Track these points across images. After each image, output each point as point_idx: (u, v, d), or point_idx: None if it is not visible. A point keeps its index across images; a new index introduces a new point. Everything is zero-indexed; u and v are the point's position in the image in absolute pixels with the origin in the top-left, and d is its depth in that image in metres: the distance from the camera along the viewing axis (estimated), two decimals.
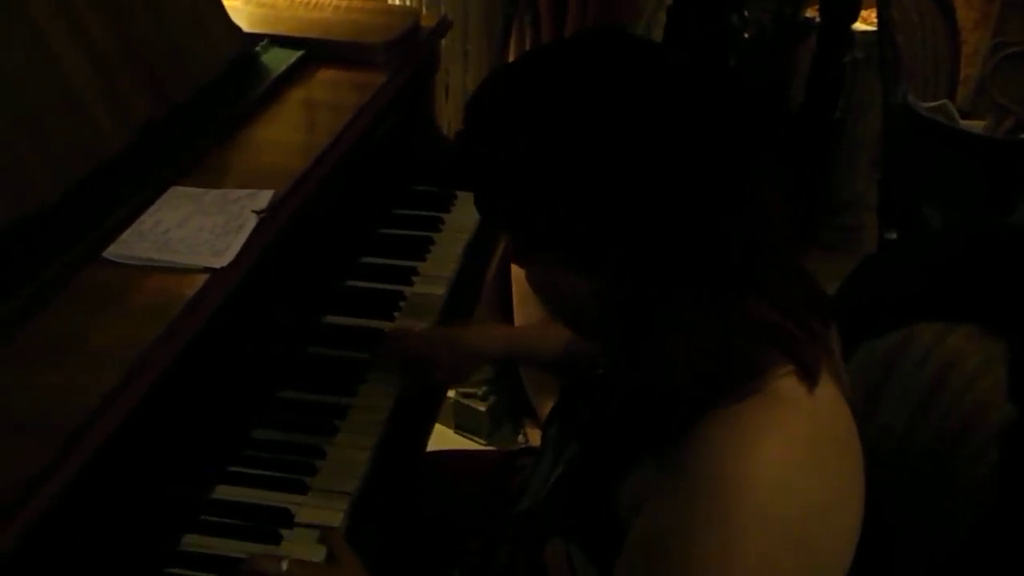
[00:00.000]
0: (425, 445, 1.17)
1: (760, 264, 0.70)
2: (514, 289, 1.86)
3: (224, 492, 0.96)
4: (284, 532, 0.92)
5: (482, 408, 1.93)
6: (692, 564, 0.64)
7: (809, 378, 0.67)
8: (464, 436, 1.95)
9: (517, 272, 1.84)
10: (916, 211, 1.50)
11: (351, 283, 1.28)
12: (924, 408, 0.87)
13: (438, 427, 1.86)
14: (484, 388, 1.93)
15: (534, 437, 1.94)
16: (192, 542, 0.91)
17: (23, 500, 0.65)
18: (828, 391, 0.69)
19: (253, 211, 0.95)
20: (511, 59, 1.74)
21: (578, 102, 0.67)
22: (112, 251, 0.88)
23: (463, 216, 1.43)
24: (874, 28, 1.78)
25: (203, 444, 0.96)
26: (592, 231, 0.68)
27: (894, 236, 1.58)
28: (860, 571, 0.73)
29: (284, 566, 0.83)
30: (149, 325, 0.80)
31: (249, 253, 0.91)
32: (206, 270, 0.87)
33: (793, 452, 0.65)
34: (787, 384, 0.67)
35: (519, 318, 1.87)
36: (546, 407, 1.89)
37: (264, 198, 0.98)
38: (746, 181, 0.69)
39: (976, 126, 1.54)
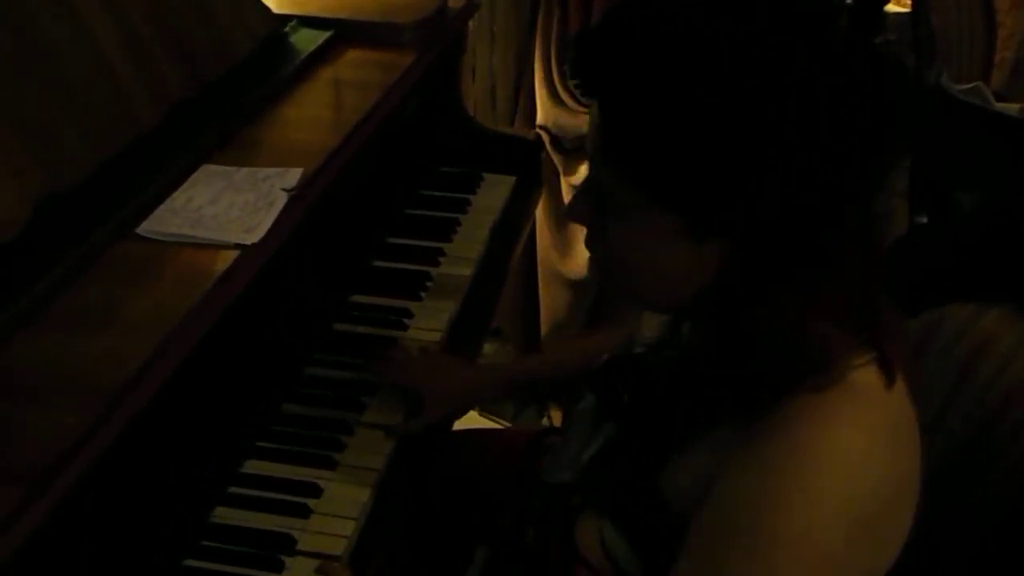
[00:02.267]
0: (451, 424, 1.18)
1: (860, 248, 0.68)
2: (540, 273, 1.86)
3: (254, 467, 0.98)
4: (312, 504, 0.93)
5: None
6: (772, 536, 0.65)
7: (888, 371, 0.67)
8: (488, 418, 1.95)
9: (544, 255, 1.84)
10: (947, 195, 1.48)
11: (378, 263, 1.28)
12: (957, 390, 0.86)
13: None
14: None
15: (559, 419, 1.94)
16: (223, 514, 0.92)
17: (60, 466, 0.67)
18: (901, 389, 0.69)
19: (283, 189, 0.96)
20: (538, 41, 1.73)
21: (739, 51, 0.60)
22: (145, 227, 0.89)
23: (490, 197, 1.43)
24: (907, 9, 1.75)
25: (233, 418, 0.97)
26: (732, 192, 0.61)
27: (924, 220, 1.56)
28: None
29: None
30: (183, 298, 0.81)
31: (279, 230, 0.92)
32: (237, 246, 0.87)
33: (870, 442, 0.66)
34: (866, 376, 0.67)
35: (545, 302, 1.87)
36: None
37: (294, 176, 0.98)
38: (874, 161, 0.65)
39: (1011, 108, 1.51)
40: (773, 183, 0.61)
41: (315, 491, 0.95)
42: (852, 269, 0.68)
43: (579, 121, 1.64)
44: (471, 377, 1.12)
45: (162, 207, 0.91)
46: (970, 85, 1.58)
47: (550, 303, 1.85)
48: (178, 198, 0.93)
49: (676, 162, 0.62)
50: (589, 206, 0.69)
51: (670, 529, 0.71)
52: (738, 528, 0.66)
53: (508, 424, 1.94)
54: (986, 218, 1.38)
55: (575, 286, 1.80)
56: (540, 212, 1.76)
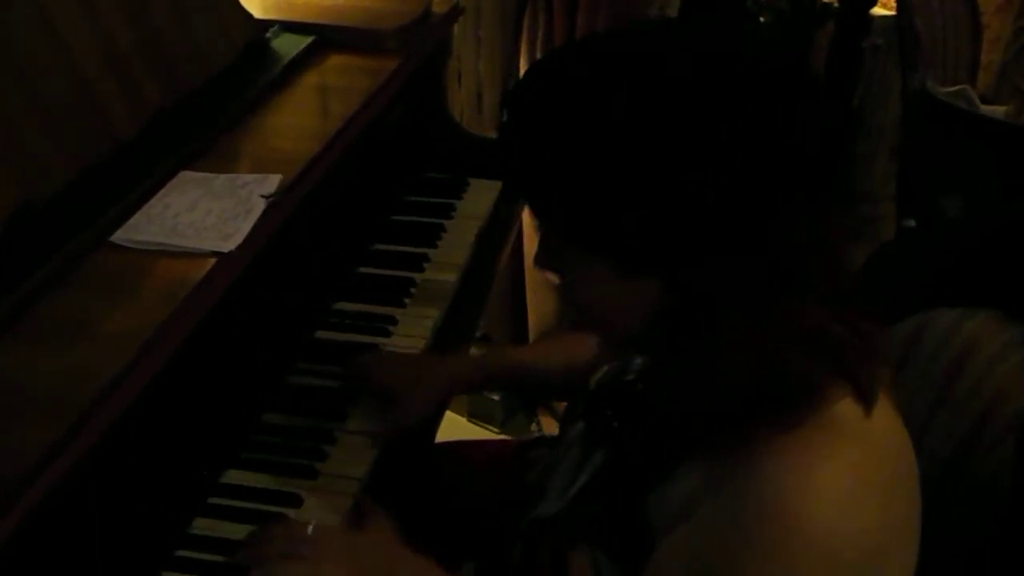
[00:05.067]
0: (435, 432, 1.17)
1: (818, 268, 0.65)
2: (527, 278, 1.85)
3: (234, 477, 0.96)
4: (294, 515, 0.92)
5: (496, 397, 1.93)
6: None
7: (865, 399, 0.64)
8: (478, 424, 1.94)
9: (531, 260, 1.83)
10: (934, 199, 1.48)
11: (362, 269, 1.28)
12: (943, 395, 0.86)
13: (452, 415, 1.86)
14: None
15: (548, 426, 1.93)
16: (202, 525, 0.91)
17: (31, 480, 0.65)
18: (885, 413, 0.66)
19: (261, 195, 0.95)
20: (524, 46, 1.73)
21: (636, 94, 0.62)
22: (121, 235, 0.88)
23: (475, 203, 1.42)
24: (893, 13, 1.75)
25: (212, 428, 0.96)
26: (647, 231, 0.63)
27: (912, 224, 1.56)
28: None
29: (310, 530, 0.83)
30: (158, 308, 0.80)
31: (257, 237, 0.91)
32: (214, 254, 0.86)
33: (850, 488, 0.62)
34: (844, 410, 0.64)
35: (533, 307, 1.86)
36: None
37: (273, 183, 0.98)
38: (811, 179, 0.64)
39: (997, 111, 1.51)
40: (678, 217, 0.62)
41: (296, 501, 0.94)
42: (814, 293, 0.65)
43: None
44: (443, 370, 1.09)
45: (138, 215, 0.90)
46: (956, 88, 1.58)
47: (538, 309, 1.85)
48: (155, 205, 0.92)
49: (584, 210, 0.65)
50: (547, 254, 0.72)
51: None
52: (702, 567, 0.64)
53: (497, 430, 1.93)
54: (971, 223, 1.38)
55: None
56: (527, 217, 1.75)
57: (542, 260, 0.72)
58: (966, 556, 0.83)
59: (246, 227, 0.90)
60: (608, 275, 0.66)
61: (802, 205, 0.64)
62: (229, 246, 0.87)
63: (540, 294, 1.83)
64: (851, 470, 0.62)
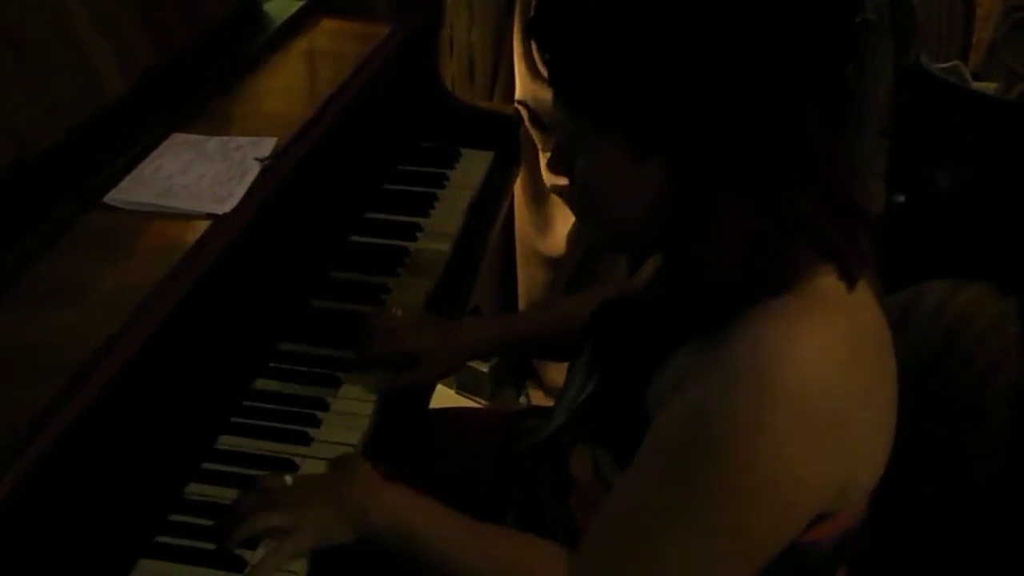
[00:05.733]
0: (428, 400, 1.17)
1: (819, 162, 0.70)
2: (518, 250, 1.85)
3: (227, 442, 0.96)
4: (286, 478, 0.92)
5: (484, 369, 1.93)
6: (728, 442, 0.67)
7: (848, 279, 0.69)
8: (466, 396, 1.94)
9: (521, 232, 1.82)
10: (926, 175, 1.49)
11: (354, 238, 1.26)
12: (934, 366, 0.86)
13: (440, 387, 1.86)
14: None
15: (536, 398, 1.94)
16: (196, 490, 0.90)
17: (28, 439, 0.65)
18: (866, 296, 0.71)
19: (255, 159, 0.94)
20: (518, 15, 1.71)
21: None
22: (113, 196, 0.86)
23: (467, 173, 1.42)
24: None
25: (205, 393, 0.95)
26: (661, 106, 0.67)
27: (902, 200, 1.57)
28: (881, 522, 0.73)
29: (287, 480, 0.85)
30: (152, 270, 0.79)
31: (251, 200, 0.90)
32: (208, 216, 0.85)
33: (831, 344, 0.67)
34: (827, 282, 0.69)
35: (523, 281, 1.86)
36: (549, 368, 1.89)
37: (267, 146, 0.96)
38: (818, 73, 0.69)
39: (988, 88, 1.52)
40: (691, 93, 0.67)
41: (291, 467, 0.94)
42: (812, 190, 0.70)
43: None
44: (464, 335, 1.11)
45: (130, 176, 0.89)
46: (948, 64, 1.58)
47: (528, 281, 1.84)
48: (147, 167, 0.90)
49: (604, 82, 0.69)
50: (561, 154, 0.76)
51: None
52: (698, 426, 0.68)
53: (485, 402, 1.93)
54: (963, 197, 1.39)
55: (553, 264, 1.79)
56: (518, 189, 1.75)
57: (556, 161, 0.76)
58: (955, 528, 0.84)
59: (240, 190, 0.89)
60: (616, 156, 0.70)
61: (812, 99, 0.69)
62: (224, 208, 0.86)
63: (530, 266, 1.83)
64: (832, 331, 0.68)
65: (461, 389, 1.95)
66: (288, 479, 0.85)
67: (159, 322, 0.78)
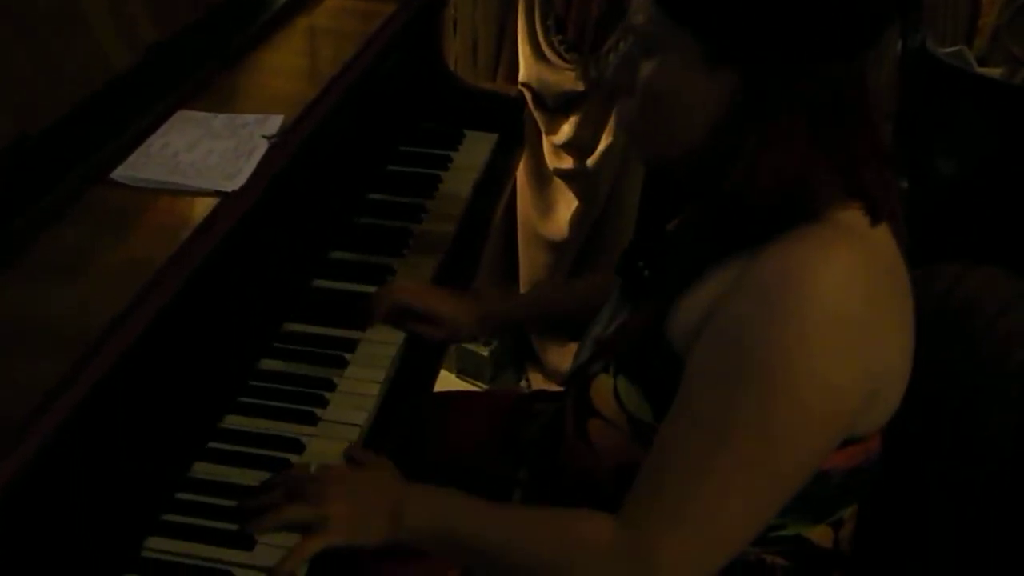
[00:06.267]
0: (434, 381, 1.16)
1: (862, 110, 0.72)
2: (520, 234, 1.84)
3: (234, 422, 0.95)
4: (294, 460, 0.92)
5: (484, 353, 1.92)
6: (759, 351, 0.69)
7: (874, 215, 0.73)
8: (466, 380, 1.94)
9: (523, 216, 1.82)
10: (929, 160, 1.48)
11: (360, 219, 1.26)
12: (945, 348, 0.86)
13: (441, 371, 1.85)
14: None
15: (537, 381, 1.93)
16: (202, 469, 0.90)
17: (36, 415, 0.64)
18: (887, 236, 0.75)
19: (263, 136, 0.93)
20: None
21: None
22: (120, 172, 0.85)
23: (471, 155, 1.41)
24: None
25: (212, 371, 0.95)
26: (751, 12, 0.69)
27: (904, 185, 1.56)
28: (892, 489, 0.75)
29: (312, 468, 0.85)
30: (160, 246, 0.78)
31: (260, 178, 0.89)
32: (217, 193, 0.85)
33: (853, 263, 0.70)
34: (853, 216, 0.73)
35: (524, 263, 1.85)
36: (550, 352, 1.88)
37: (274, 123, 0.95)
38: (883, 17, 0.71)
39: (993, 73, 1.51)
40: (777, 13, 0.68)
41: (297, 447, 0.93)
42: (865, 129, 0.73)
43: (562, 78, 1.61)
44: (490, 302, 1.12)
45: (137, 152, 0.88)
46: (953, 49, 1.57)
47: (529, 265, 1.84)
48: (154, 144, 0.89)
49: None
50: (626, 64, 0.76)
51: (675, 372, 0.74)
52: (737, 346, 0.70)
53: (485, 386, 1.93)
54: (967, 182, 1.38)
55: (555, 247, 1.78)
56: (521, 172, 1.74)
57: (623, 69, 0.76)
58: (965, 510, 0.84)
59: (249, 167, 0.88)
60: (690, 60, 0.71)
61: (874, 42, 0.70)
62: (233, 186, 0.85)
63: (531, 250, 1.82)
64: (856, 258, 0.71)
65: (461, 373, 1.95)
66: (312, 467, 0.83)
67: (169, 297, 0.77)
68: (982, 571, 0.84)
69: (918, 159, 1.50)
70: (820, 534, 0.80)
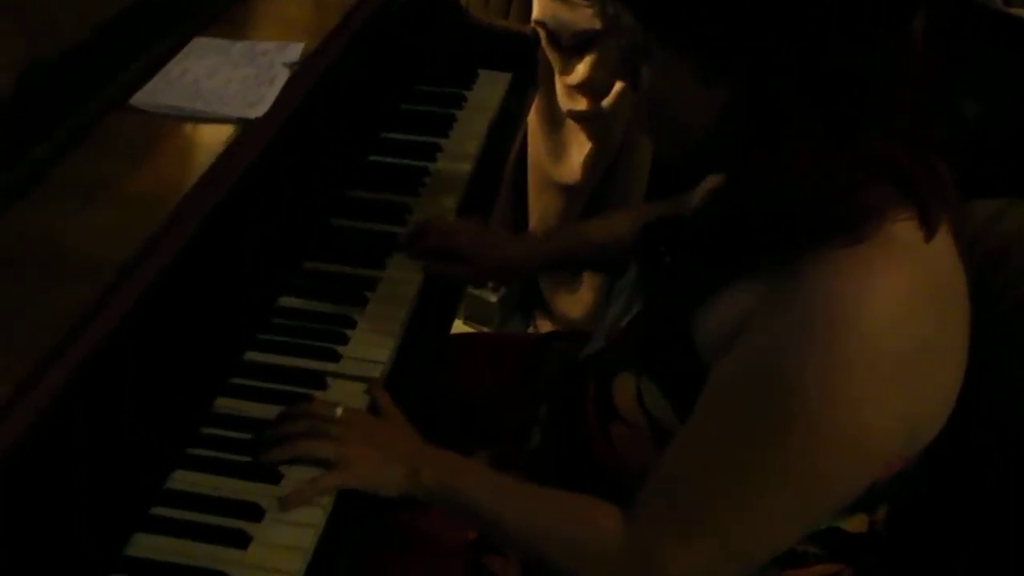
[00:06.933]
0: (452, 321, 1.15)
1: (897, 99, 0.67)
2: (530, 178, 1.82)
3: (256, 358, 0.94)
4: (316, 395, 0.91)
5: (493, 299, 1.91)
6: (801, 389, 0.65)
7: (928, 226, 0.67)
8: (474, 327, 1.93)
9: (535, 159, 1.79)
10: (953, 104, 1.46)
11: (375, 158, 1.23)
12: (981, 285, 0.85)
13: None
14: None
15: (544, 327, 1.93)
16: (225, 404, 0.89)
17: (67, 343, 0.62)
18: (945, 244, 0.69)
19: (284, 64, 0.90)
20: None
21: None
22: (139, 98, 0.83)
23: (485, 95, 1.38)
24: None
25: (235, 303, 0.93)
26: (734, 34, 0.64)
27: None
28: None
29: (338, 412, 0.82)
30: (183, 173, 0.76)
31: (282, 106, 0.87)
32: (240, 120, 0.82)
33: (904, 295, 0.66)
34: (905, 229, 0.67)
35: (535, 208, 1.83)
36: (558, 298, 1.87)
37: (295, 51, 0.93)
38: (897, 11, 0.66)
39: (1021, 13, 1.48)
40: (764, 23, 0.63)
41: (321, 383, 0.92)
42: (894, 128, 0.67)
43: (579, 15, 1.57)
44: (517, 249, 1.10)
45: (156, 79, 0.85)
46: None
47: (541, 209, 1.82)
48: (173, 70, 0.87)
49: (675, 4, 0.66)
50: (627, 61, 0.72)
51: (700, 376, 0.71)
52: (775, 374, 0.66)
53: (493, 332, 1.92)
54: (990, 125, 1.36)
55: (567, 191, 1.76)
56: (533, 114, 1.70)
57: (629, 63, 0.72)
58: (1003, 484, 0.82)
59: (271, 94, 0.85)
60: (682, 74, 0.67)
61: (887, 36, 0.65)
62: (256, 113, 0.83)
63: (543, 194, 1.80)
64: (905, 284, 0.66)
65: (469, 319, 1.94)
66: (339, 411, 0.82)
67: (195, 224, 0.75)
68: (1020, 547, 0.82)
69: (941, 100, 1.48)
70: (855, 523, 0.77)
